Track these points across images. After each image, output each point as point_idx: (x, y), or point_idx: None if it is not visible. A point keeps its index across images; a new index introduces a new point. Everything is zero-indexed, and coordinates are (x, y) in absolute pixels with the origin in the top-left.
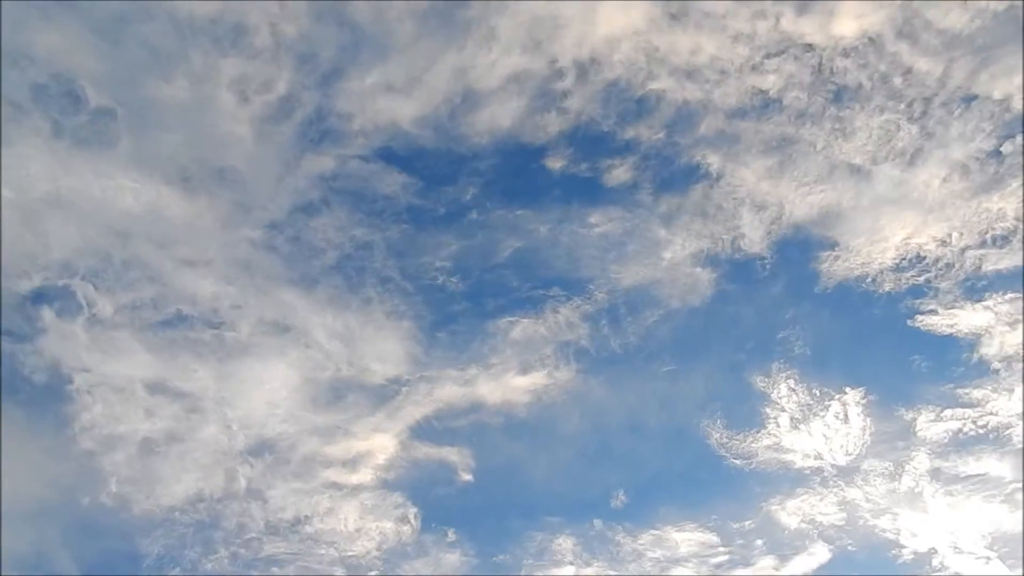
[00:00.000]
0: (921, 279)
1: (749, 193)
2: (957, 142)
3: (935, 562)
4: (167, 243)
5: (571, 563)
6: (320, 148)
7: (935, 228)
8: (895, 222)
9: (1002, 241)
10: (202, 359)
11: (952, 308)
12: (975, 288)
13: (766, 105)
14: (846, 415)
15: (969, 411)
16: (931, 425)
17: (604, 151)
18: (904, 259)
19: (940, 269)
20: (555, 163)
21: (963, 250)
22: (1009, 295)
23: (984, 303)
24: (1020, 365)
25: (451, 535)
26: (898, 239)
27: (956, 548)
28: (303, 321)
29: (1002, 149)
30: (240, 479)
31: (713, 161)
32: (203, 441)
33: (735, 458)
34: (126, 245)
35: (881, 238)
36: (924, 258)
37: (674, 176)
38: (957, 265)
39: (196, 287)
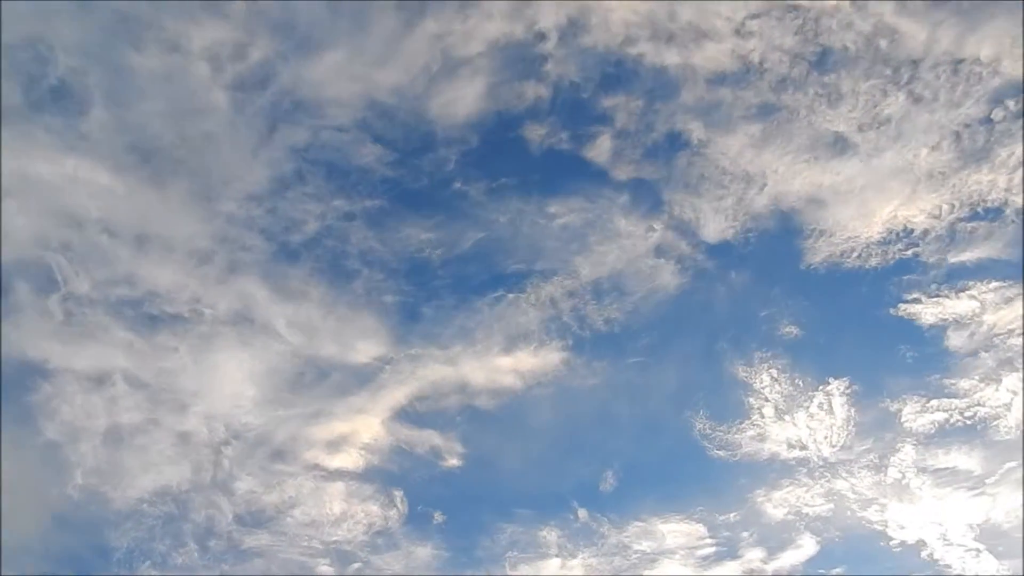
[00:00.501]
0: (909, 253)
1: (732, 164)
2: (945, 108)
3: (923, 554)
4: (137, 223)
5: (556, 555)
6: (295, 119)
7: (924, 200)
8: (882, 194)
9: (993, 214)
10: (176, 342)
11: (936, 296)
12: (960, 273)
13: (748, 70)
14: (830, 405)
15: (956, 401)
16: (917, 416)
17: (584, 120)
18: (892, 232)
19: (929, 243)
20: (535, 134)
21: (953, 223)
22: (994, 283)
23: (969, 292)
24: (1007, 355)
25: (435, 521)
26: (886, 212)
27: (945, 540)
28: (279, 300)
29: (992, 115)
30: (214, 468)
31: (694, 130)
32: (175, 430)
33: (719, 449)
34: (92, 227)
35: (868, 211)
36: (912, 231)
37: (656, 148)
38: (947, 239)
39: (166, 268)
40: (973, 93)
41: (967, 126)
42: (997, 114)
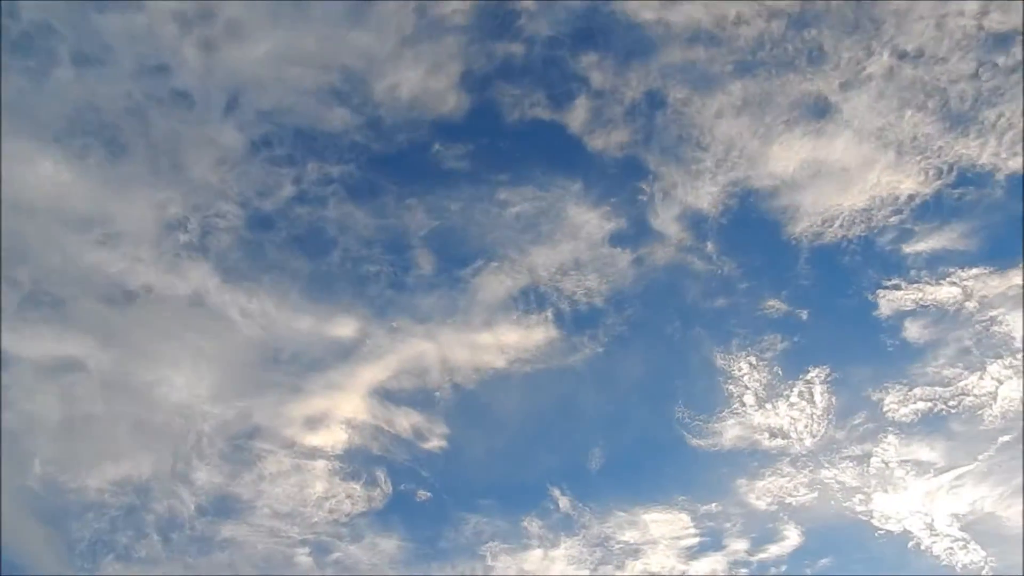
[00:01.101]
0: (894, 220)
1: (710, 127)
2: (928, 64)
3: (910, 544)
4: (99, 197)
5: (538, 546)
6: (264, 83)
7: (909, 164)
8: (866, 158)
9: (983, 179)
10: (140, 325)
11: (917, 283)
12: (943, 258)
13: (724, 27)
14: (811, 394)
15: (939, 390)
16: (899, 406)
17: (559, 83)
18: (875, 199)
19: (914, 210)
20: (509, 96)
21: (939, 189)
22: (974, 270)
23: (950, 278)
24: (991, 342)
25: (408, 510)
26: (870, 177)
27: (931, 530)
28: (249, 273)
29: (980, 73)
30: (179, 456)
31: (671, 92)
32: (140, 417)
33: (700, 438)
34: (50, 205)
35: (851, 176)
36: (898, 198)
37: (632, 111)
38: (933, 206)
39: (128, 246)
40: (960, 47)
41: (954, 82)
42: (985, 71)
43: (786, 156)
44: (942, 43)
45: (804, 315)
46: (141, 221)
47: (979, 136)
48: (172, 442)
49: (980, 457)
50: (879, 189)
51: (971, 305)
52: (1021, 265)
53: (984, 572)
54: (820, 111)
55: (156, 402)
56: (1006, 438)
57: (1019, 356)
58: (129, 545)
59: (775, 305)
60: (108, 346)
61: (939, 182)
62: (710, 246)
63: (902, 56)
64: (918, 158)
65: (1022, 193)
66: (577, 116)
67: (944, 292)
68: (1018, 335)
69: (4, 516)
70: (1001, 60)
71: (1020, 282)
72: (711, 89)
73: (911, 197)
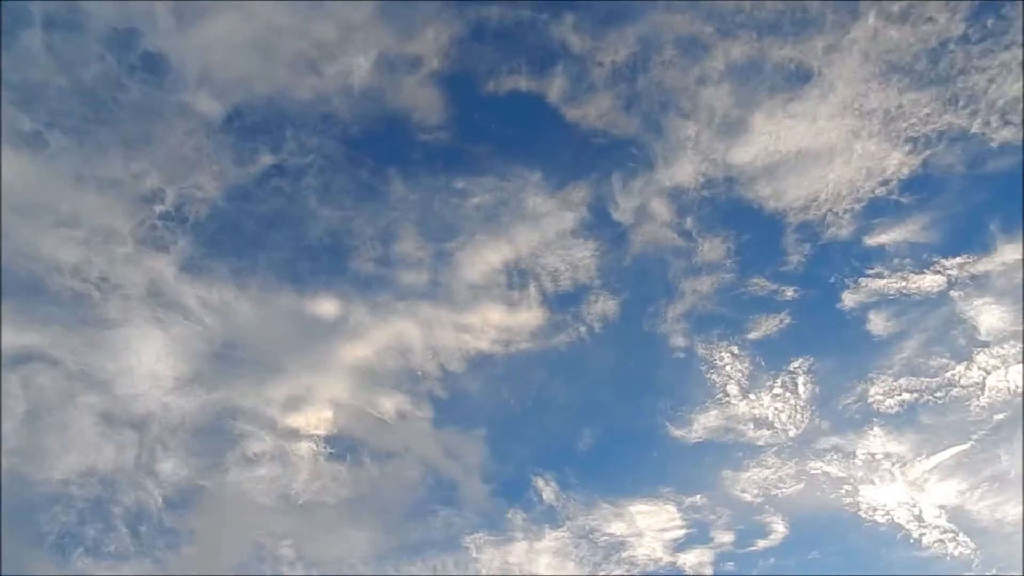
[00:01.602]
0: (880, 191)
1: (691, 94)
2: (916, 25)
3: (898, 536)
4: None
5: (523, 539)
6: (238, 52)
7: (895, 133)
8: (851, 126)
9: (974, 146)
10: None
11: (900, 271)
12: (928, 248)
13: None
14: (795, 385)
15: (926, 380)
16: (885, 397)
17: (538, 47)
18: (861, 169)
19: (901, 180)
20: (488, 65)
21: (927, 159)
22: (958, 259)
23: (934, 267)
24: (977, 331)
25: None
26: (856, 147)
27: (919, 521)
28: (225, 250)
29: (969, 33)
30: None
31: (653, 58)
32: (112, 408)
33: (684, 429)
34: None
35: (835, 145)
36: (885, 169)
37: (613, 78)
38: (921, 179)
39: (95, 224)
40: (948, 9)
41: (944, 44)
42: (975, 34)
43: (769, 125)
44: (929, 4)
45: (789, 293)
46: (112, 199)
47: (969, 103)
48: (138, 431)
49: (966, 448)
50: (865, 160)
51: (956, 294)
52: (1021, 240)
53: (974, 564)
54: (804, 77)
55: (122, 391)
56: (1000, 417)
57: (1006, 345)
58: (98, 539)
59: (759, 283)
60: (73, 334)
61: (927, 152)
62: (690, 222)
63: (888, 18)
64: (904, 126)
65: (1022, 164)
66: (557, 85)
67: (928, 281)
68: (1007, 324)
69: None
70: (991, 22)
71: (1005, 265)
72: (694, 54)
73: (898, 168)
